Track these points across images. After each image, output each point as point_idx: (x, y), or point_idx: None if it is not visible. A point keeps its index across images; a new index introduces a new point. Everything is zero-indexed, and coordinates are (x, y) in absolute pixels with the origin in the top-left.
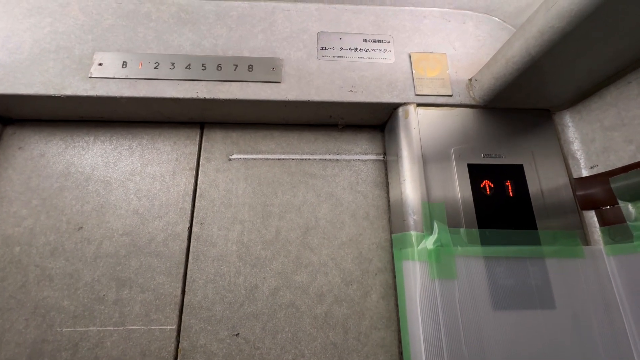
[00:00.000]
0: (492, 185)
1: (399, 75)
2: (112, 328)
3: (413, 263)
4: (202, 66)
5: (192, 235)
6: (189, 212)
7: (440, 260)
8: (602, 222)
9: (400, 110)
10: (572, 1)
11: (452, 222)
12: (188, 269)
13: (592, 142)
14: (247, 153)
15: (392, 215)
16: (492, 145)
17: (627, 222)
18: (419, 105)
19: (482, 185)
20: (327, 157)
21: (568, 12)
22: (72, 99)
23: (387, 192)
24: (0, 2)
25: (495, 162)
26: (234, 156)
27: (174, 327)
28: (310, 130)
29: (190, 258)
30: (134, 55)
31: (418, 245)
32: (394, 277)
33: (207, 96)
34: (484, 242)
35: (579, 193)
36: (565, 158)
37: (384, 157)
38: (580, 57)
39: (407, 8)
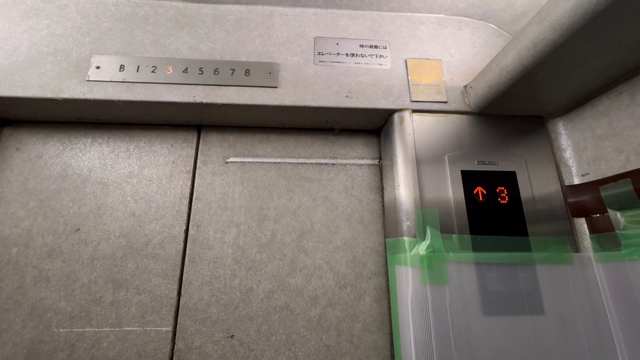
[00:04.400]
0: (485, 192)
1: (395, 82)
2: (108, 329)
3: (405, 268)
4: (200, 70)
5: (189, 237)
6: (186, 215)
7: (431, 266)
8: (592, 229)
9: (396, 116)
10: (564, 15)
11: (445, 228)
12: (184, 271)
13: (583, 150)
14: (243, 156)
15: (386, 220)
16: (485, 151)
17: (616, 230)
18: (414, 111)
19: (475, 192)
20: (323, 161)
21: (560, 25)
22: (69, 101)
23: (382, 197)
24: None
25: (489, 169)
26: (231, 159)
27: (170, 328)
28: (307, 134)
29: (186, 260)
30: (132, 59)
31: (411, 251)
32: (388, 280)
33: (204, 100)
34: (476, 248)
35: (570, 200)
36: (557, 165)
37: (379, 162)
38: (573, 68)
39: (404, 14)
